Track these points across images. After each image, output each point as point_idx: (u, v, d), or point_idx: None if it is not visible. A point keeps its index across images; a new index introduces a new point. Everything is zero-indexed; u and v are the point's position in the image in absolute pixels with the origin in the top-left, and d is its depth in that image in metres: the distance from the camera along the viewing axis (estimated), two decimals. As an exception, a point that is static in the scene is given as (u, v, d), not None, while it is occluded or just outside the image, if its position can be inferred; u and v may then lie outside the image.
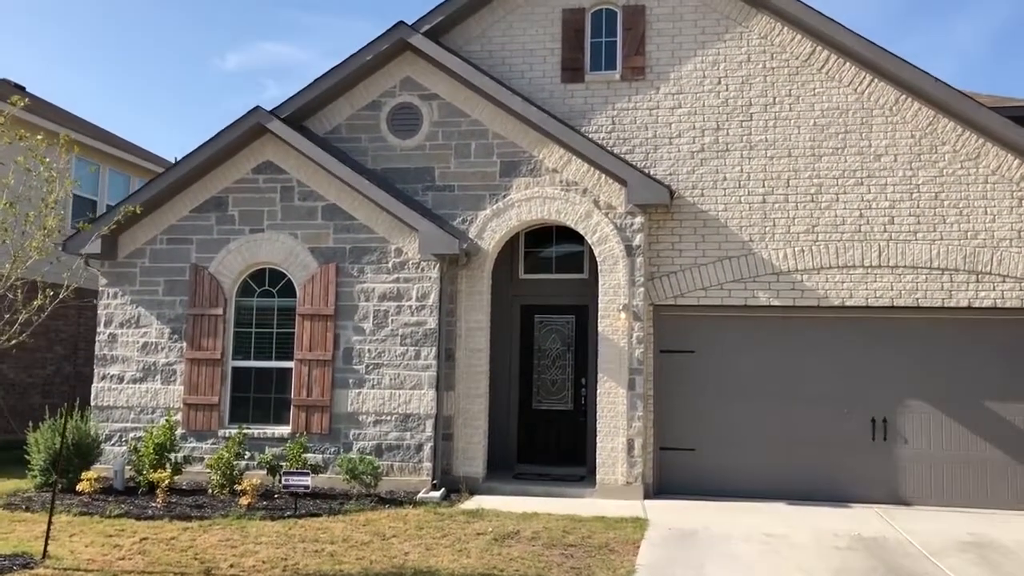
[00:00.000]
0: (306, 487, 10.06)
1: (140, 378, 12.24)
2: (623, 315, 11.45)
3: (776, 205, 11.70)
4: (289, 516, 9.73)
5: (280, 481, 10.32)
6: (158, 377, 12.21)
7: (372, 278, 11.88)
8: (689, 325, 11.88)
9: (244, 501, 10.04)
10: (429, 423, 11.58)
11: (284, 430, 11.87)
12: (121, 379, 12.28)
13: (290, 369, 11.95)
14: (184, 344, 12.17)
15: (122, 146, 20.06)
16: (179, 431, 11.97)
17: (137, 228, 12.45)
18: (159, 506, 10.10)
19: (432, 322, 11.70)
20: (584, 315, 12.88)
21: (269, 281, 12.31)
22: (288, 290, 12.20)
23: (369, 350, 11.79)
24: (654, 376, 11.78)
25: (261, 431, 11.87)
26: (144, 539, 8.68)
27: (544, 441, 12.96)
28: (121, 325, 12.39)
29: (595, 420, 11.73)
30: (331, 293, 11.90)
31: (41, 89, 40.19)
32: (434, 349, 11.66)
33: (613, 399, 11.45)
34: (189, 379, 12.09)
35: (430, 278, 11.76)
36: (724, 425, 11.69)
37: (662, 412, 11.81)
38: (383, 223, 11.92)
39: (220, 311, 12.13)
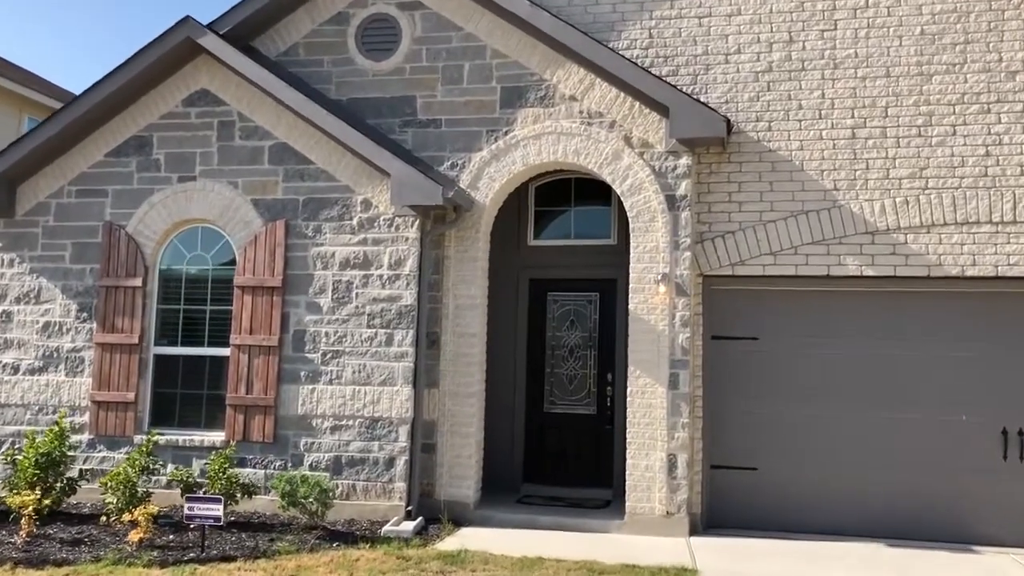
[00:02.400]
0: (216, 519, 7.24)
1: (40, 367, 9.52)
2: (662, 289, 8.53)
3: (870, 142, 8.72)
4: (190, 560, 6.93)
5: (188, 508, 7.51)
6: (62, 366, 9.48)
7: (332, 239, 9.07)
8: (750, 303, 8.93)
9: (135, 536, 7.27)
10: (403, 430, 8.74)
11: (218, 437, 9.09)
12: (16, 369, 9.57)
13: (228, 358, 9.17)
14: (94, 324, 9.43)
15: (16, 77, 17.23)
16: (85, 436, 9.25)
17: (39, 178, 9.75)
18: (19, 543, 7.34)
19: (409, 297, 8.86)
20: (611, 292, 9.97)
21: (203, 244, 9.54)
22: (227, 255, 9.43)
23: (327, 333, 8.98)
24: (703, 371, 8.85)
25: (189, 438, 9.10)
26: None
27: (558, 454, 10.07)
28: (18, 300, 9.68)
29: (624, 428, 8.82)
30: (279, 258, 9.11)
31: None
32: (411, 332, 8.82)
33: (649, 401, 8.54)
34: (99, 369, 9.34)
35: (407, 239, 8.93)
36: (797, 436, 8.73)
37: (714, 418, 8.87)
38: (347, 167, 9.11)
39: (139, 282, 9.38)
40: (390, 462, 8.72)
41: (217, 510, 7.19)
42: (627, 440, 8.58)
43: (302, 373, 8.98)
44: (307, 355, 8.99)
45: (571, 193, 10.21)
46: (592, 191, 10.04)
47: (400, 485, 8.67)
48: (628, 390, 8.63)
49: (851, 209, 8.66)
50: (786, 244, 8.74)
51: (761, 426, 8.82)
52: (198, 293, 9.48)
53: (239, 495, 8.18)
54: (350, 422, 8.85)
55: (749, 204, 8.87)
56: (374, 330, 8.89)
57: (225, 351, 9.19)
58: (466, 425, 8.90)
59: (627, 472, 8.54)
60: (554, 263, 10.10)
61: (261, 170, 9.30)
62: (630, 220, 8.79)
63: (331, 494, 8.13)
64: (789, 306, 8.87)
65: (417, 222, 8.91)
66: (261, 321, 9.07)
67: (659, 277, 8.57)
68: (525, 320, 10.15)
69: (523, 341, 10.12)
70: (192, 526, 7.76)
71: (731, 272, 8.86)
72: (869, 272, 8.60)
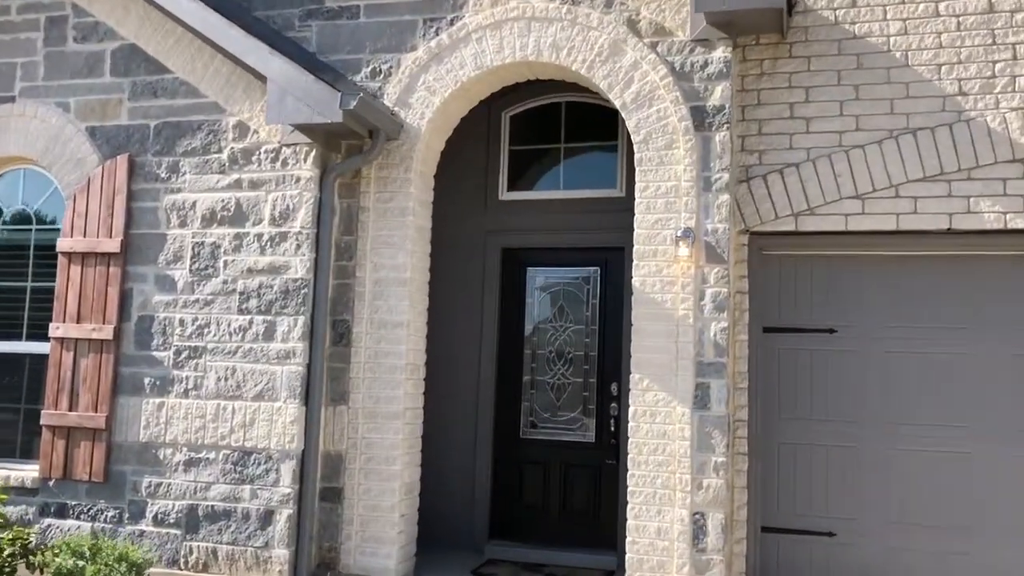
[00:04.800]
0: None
1: None
2: (684, 253, 5.42)
3: (1019, 16, 5.49)
4: None
5: None
6: None
7: (194, 182, 6.15)
8: (824, 275, 5.77)
9: None
10: (287, 468, 5.75)
11: (33, 472, 6.23)
12: None
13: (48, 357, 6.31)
14: None
15: None
16: None
17: None
18: None
19: (300, 266, 5.89)
20: (618, 266, 6.86)
21: (25, 193, 6.71)
22: (57, 208, 6.58)
23: (183, 321, 6.05)
24: (750, 380, 5.71)
25: (-4, 473, 6.27)
26: None
27: (540, 501, 6.96)
28: None
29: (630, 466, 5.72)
30: (119, 211, 6.21)
31: None
32: (302, 320, 5.84)
33: (663, 427, 5.43)
34: None
35: (298, 180, 5.96)
36: (902, 483, 5.52)
37: (765, 455, 5.72)
38: (216, 77, 6.18)
39: (-65, 249, 6.59)
40: (267, 517, 5.74)
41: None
42: (629, 489, 5.46)
43: (147, 380, 6.06)
44: (155, 353, 6.07)
45: (561, 124, 7.12)
46: (592, 120, 6.96)
47: (281, 553, 5.68)
48: (631, 410, 5.52)
49: (987, 124, 5.43)
50: (882, 182, 5.55)
51: (841, 466, 5.63)
52: (16, 264, 6.64)
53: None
54: (211, 454, 5.89)
55: (822, 120, 5.69)
56: (248, 316, 5.93)
57: (47, 347, 6.32)
58: (388, 461, 5.87)
59: (628, 539, 5.42)
60: (537, 225, 7.01)
61: (101, 85, 6.42)
62: (635, 148, 5.69)
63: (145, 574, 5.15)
64: (886, 280, 5.67)
65: (314, 154, 5.94)
66: (93, 303, 6.18)
67: (679, 234, 5.44)
68: (495, 306, 7.08)
69: (491, 337, 7.04)
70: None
71: (793, 227, 5.69)
72: (1019, 223, 5.35)
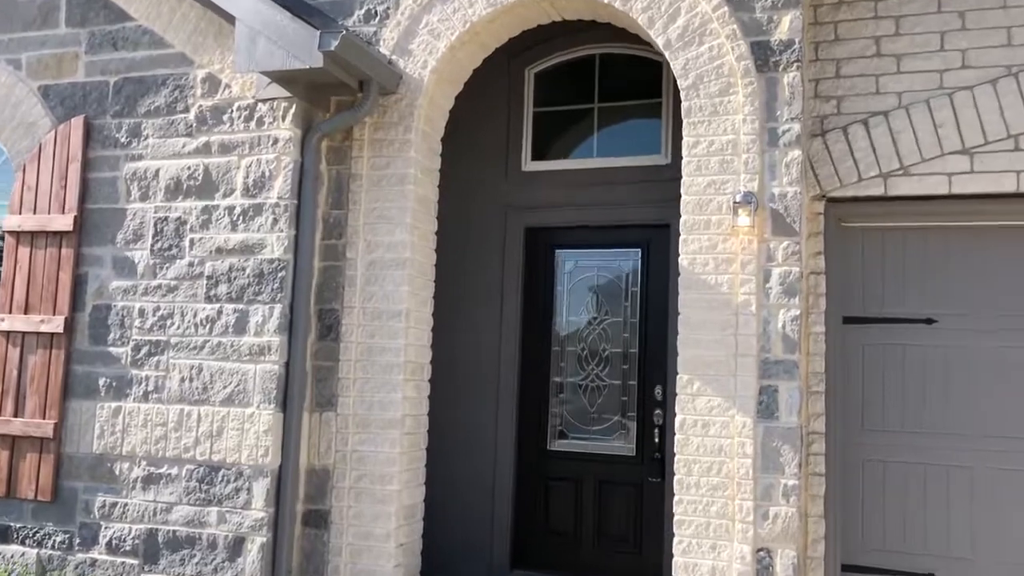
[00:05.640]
0: None
1: None
2: (743, 223, 4.32)
3: None
4: None
5: None
6: None
7: (157, 146, 5.21)
8: (922, 251, 4.63)
9: None
10: (260, 488, 4.77)
11: (-22, 488, 5.35)
12: None
13: None
14: None
15: None
16: None
17: None
18: None
19: (277, 244, 4.91)
20: (663, 247, 5.77)
21: (-26, 167, 5.86)
22: (6, 183, 5.70)
23: (143, 311, 5.11)
24: (827, 382, 4.60)
25: (-63, 488, 5.38)
26: None
27: (573, 522, 5.89)
28: None
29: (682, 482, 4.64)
30: (72, 183, 5.30)
31: None
32: (279, 309, 4.85)
33: (717, 441, 4.33)
34: None
35: (275, 141, 4.98)
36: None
37: (847, 475, 4.60)
38: (183, 24, 5.24)
39: None
40: (236, 545, 4.77)
41: None
42: (676, 518, 4.38)
43: (102, 381, 5.14)
44: (111, 349, 5.14)
45: (595, 81, 6.05)
46: (631, 75, 5.89)
47: (251, 589, 4.70)
48: (678, 420, 4.43)
49: None
50: (996, 132, 4.39)
51: (943, 490, 4.48)
52: (-34, 247, 5.78)
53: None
54: (173, 469, 4.94)
55: (917, 58, 4.55)
56: (217, 305, 4.97)
57: (-4, 343, 5.44)
58: (384, 479, 4.86)
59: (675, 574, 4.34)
60: (566, 200, 5.94)
61: (56, 37, 5.52)
62: (683, 95, 4.60)
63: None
64: (1002, 256, 4.51)
65: (294, 110, 4.96)
66: (42, 291, 5.28)
67: (737, 200, 4.34)
68: (517, 296, 6.02)
69: (513, 331, 5.98)
70: None
71: (880, 190, 4.56)
72: None
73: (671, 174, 5.59)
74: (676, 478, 4.39)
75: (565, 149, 6.04)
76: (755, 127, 4.44)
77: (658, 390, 5.68)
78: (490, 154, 6.07)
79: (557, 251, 6.05)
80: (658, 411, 5.65)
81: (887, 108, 4.54)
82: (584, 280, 5.97)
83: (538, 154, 6.07)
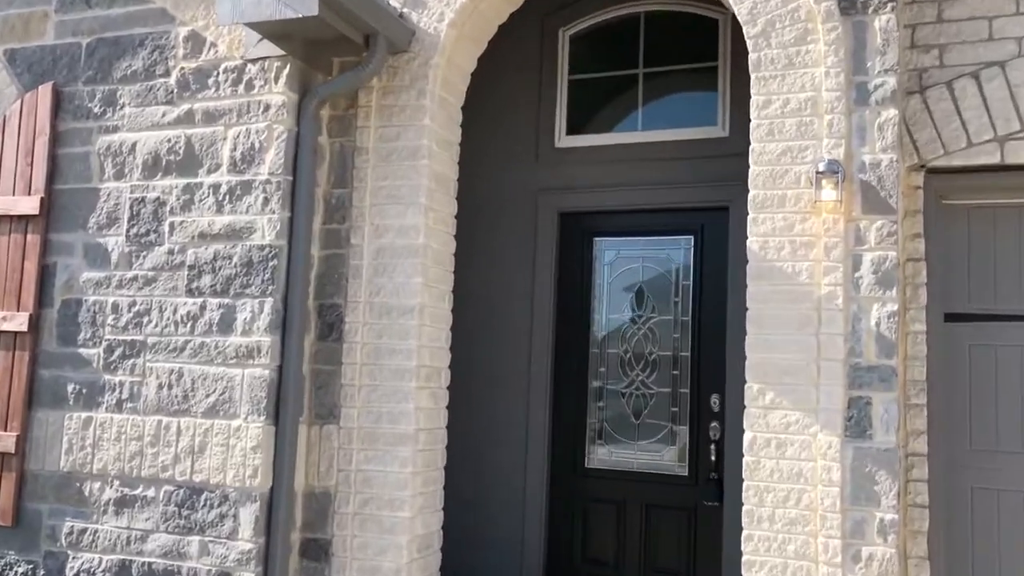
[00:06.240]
0: None
1: None
2: (827, 197, 3.52)
3: None
4: None
5: None
6: None
7: (134, 116, 4.51)
8: (1045, 233, 3.80)
9: None
10: (248, 514, 4.04)
11: (-65, 509, 4.68)
12: None
13: (-36, 356, 4.75)
14: None
15: None
16: None
17: None
18: None
19: (268, 228, 4.18)
20: (720, 233, 4.97)
21: (-63, 144, 5.19)
22: (-28, 164, 5.04)
23: (117, 306, 4.41)
24: (929, 393, 3.78)
25: None
26: None
27: (614, 551, 5.10)
28: None
29: (743, 508, 3.86)
30: (39, 159, 4.62)
31: None
32: (271, 304, 4.12)
33: (795, 464, 3.53)
34: None
35: (267, 107, 4.25)
36: None
37: (954, 506, 3.76)
38: (165, -27, 4.54)
39: None
40: (219, 582, 4.06)
41: None
42: (745, 557, 3.59)
43: (71, 387, 4.45)
44: (82, 350, 4.45)
45: (639, 43, 5.27)
46: (681, 36, 5.11)
47: (236, 634, 3.98)
48: (747, 439, 3.64)
49: None
50: None
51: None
52: (-73, 235, 5.12)
53: None
54: (150, 491, 4.23)
55: (1042, -5, 3.73)
56: (199, 299, 4.25)
57: (-42, 343, 4.77)
58: (394, 504, 4.12)
59: (743, 633, 3.55)
60: (607, 180, 5.17)
61: (24, -5, 4.85)
62: (750, 46, 3.81)
63: None
64: None
65: (288, 71, 4.23)
66: (5, 283, 4.60)
67: (820, 169, 3.54)
68: (549, 290, 5.25)
69: (545, 331, 5.20)
70: None
71: (996, 158, 3.74)
72: None
73: (729, 148, 4.82)
74: (745, 508, 3.60)
75: (605, 122, 5.27)
76: (840, 82, 3.63)
77: (714, 399, 4.88)
78: (519, 128, 5.31)
79: (596, 239, 5.27)
80: (714, 424, 4.86)
81: (1004, 57, 3.72)
82: (627, 272, 5.20)
83: (574, 128, 5.30)
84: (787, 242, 3.65)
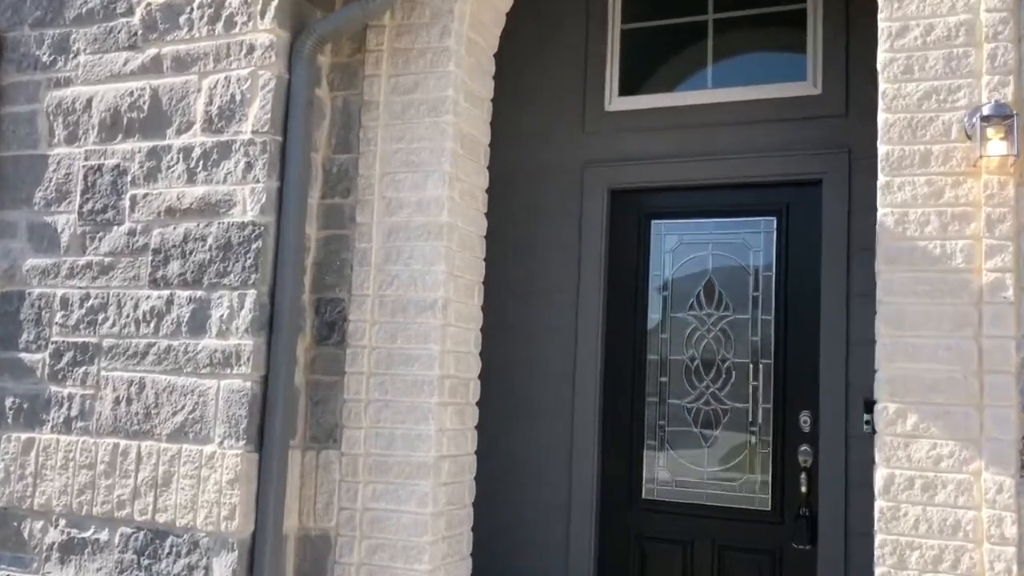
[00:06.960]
0: None
1: None
2: (996, 148, 2.60)
3: None
4: None
5: None
6: None
7: (90, 65, 3.65)
8: None
9: None
10: (223, 565, 3.16)
11: None
12: None
13: None
14: None
15: None
16: None
17: None
18: None
19: (251, 201, 3.29)
20: (810, 211, 4.05)
21: None
22: (-95, 130, 4.20)
23: (67, 300, 3.55)
24: (1122, 416, 2.82)
25: None
26: None
27: (678, 604, 4.20)
28: None
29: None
30: (-25, 121, 3.78)
31: None
32: (253, 296, 3.24)
33: (948, 511, 2.61)
34: None
35: (250, 49, 3.37)
36: None
37: None
38: None
39: None
40: (186, 653, 3.18)
41: None
42: (875, 635, 2.67)
43: (9, 402, 3.59)
44: (24, 355, 3.59)
45: (707, -15, 4.37)
46: (758, -27, 4.20)
47: None
48: (881, 476, 2.71)
49: None
50: None
51: None
52: None
53: None
54: (103, 533, 3.36)
55: None
56: (166, 291, 3.38)
57: None
58: (409, 552, 3.22)
59: None
60: (667, 150, 4.26)
61: (-36, -75, 4.00)
62: (875, -39, 2.90)
63: None
64: None
65: (276, 4, 3.35)
66: (-65, 273, 3.76)
67: (981, 116, 2.62)
68: (599, 283, 4.33)
69: (592, 332, 4.29)
70: None
71: None
72: None
73: (822, 108, 3.90)
74: (879, 571, 2.68)
75: (666, 79, 4.35)
76: (1005, 1, 2.71)
77: (804, 418, 3.96)
78: (561, 87, 4.42)
79: (654, 222, 4.36)
80: (804, 447, 3.94)
81: None
82: (693, 261, 4.28)
83: (628, 87, 4.40)
84: (934, 214, 2.73)
